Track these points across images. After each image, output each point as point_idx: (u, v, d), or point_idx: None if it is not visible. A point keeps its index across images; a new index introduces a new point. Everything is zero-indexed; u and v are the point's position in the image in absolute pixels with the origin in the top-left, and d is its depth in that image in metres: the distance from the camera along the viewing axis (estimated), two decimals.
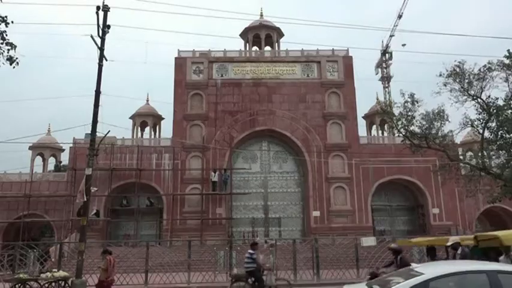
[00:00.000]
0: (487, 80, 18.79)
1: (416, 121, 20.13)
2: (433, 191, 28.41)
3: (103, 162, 26.89)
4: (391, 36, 50.84)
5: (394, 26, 50.10)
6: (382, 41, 53.79)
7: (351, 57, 31.24)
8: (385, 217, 29.96)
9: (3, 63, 9.69)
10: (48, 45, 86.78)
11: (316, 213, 27.83)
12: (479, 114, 19.35)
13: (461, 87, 19.20)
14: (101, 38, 14.87)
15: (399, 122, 20.53)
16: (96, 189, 20.62)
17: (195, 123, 29.13)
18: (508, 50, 17.95)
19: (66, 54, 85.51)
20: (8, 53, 9.69)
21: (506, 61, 18.19)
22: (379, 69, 55.13)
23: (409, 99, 19.92)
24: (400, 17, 49.84)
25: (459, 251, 10.10)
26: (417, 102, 19.85)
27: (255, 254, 12.36)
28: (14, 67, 9.75)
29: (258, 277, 12.29)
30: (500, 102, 18.62)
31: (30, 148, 30.65)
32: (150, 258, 17.73)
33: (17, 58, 9.73)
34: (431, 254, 12.66)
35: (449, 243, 10.65)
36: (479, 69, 18.85)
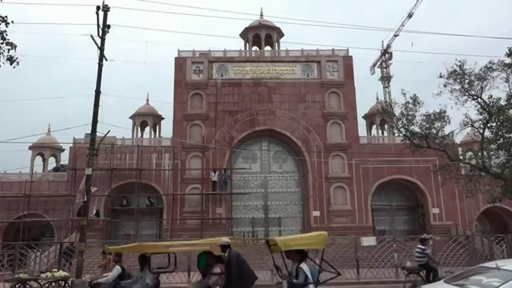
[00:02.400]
0: (488, 80, 18.81)
1: (416, 121, 20.15)
2: (433, 191, 28.40)
3: (103, 162, 26.89)
4: (395, 36, 50.90)
5: (401, 25, 50.16)
6: (383, 41, 53.85)
7: (351, 57, 31.25)
8: (385, 217, 29.97)
9: (3, 63, 9.69)
10: (50, 45, 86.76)
11: (316, 213, 27.83)
12: (479, 115, 19.37)
13: (462, 88, 19.21)
14: (101, 38, 14.87)
15: (399, 122, 20.54)
16: (96, 189, 20.61)
17: (195, 123, 29.14)
18: (509, 48, 17.88)
19: (68, 55, 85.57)
20: (8, 53, 9.69)
21: (507, 60, 18.18)
22: (375, 69, 55.36)
23: (410, 100, 19.94)
24: (410, 16, 49.91)
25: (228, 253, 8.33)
26: (419, 103, 19.87)
27: (427, 249, 13.07)
28: (14, 67, 9.75)
29: (432, 269, 12.92)
30: (502, 103, 18.63)
31: (30, 148, 30.63)
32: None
33: (17, 58, 9.73)
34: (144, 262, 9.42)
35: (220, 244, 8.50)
36: (480, 70, 18.87)
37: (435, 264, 13.38)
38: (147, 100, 32.98)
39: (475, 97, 19.23)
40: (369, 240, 18.53)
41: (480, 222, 33.14)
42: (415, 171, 28.60)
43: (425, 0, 49.59)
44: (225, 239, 8.68)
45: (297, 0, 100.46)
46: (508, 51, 17.80)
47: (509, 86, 18.67)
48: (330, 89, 30.15)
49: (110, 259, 10.55)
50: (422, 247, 13.09)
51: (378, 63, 55.59)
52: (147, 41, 59.78)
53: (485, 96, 19.13)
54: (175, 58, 30.66)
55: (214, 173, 27.83)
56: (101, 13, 14.65)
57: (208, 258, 8.39)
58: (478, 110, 19.43)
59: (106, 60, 15.22)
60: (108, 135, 16.65)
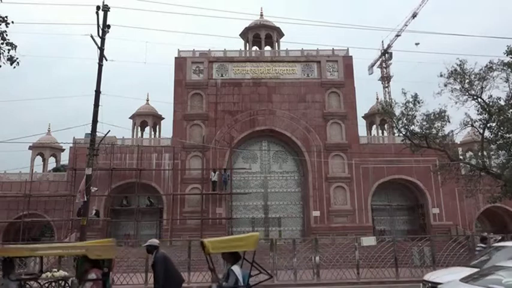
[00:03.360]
0: (488, 80, 18.80)
1: (417, 121, 20.14)
2: (433, 191, 28.40)
3: (103, 162, 26.89)
4: (397, 36, 50.93)
5: (404, 25, 50.21)
6: (383, 41, 53.93)
7: (351, 57, 31.23)
8: (385, 217, 29.96)
9: (3, 63, 9.70)
10: (51, 45, 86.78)
11: (316, 213, 27.83)
12: (479, 114, 19.37)
13: (462, 87, 19.21)
14: (101, 38, 14.89)
15: (400, 122, 20.53)
16: (96, 189, 20.66)
17: (195, 123, 29.14)
18: (508, 46, 17.86)
19: (69, 54, 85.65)
20: (8, 53, 9.70)
21: (507, 59, 18.16)
22: (373, 69, 55.49)
23: (411, 99, 19.93)
24: (414, 16, 49.96)
25: None
26: (419, 102, 19.86)
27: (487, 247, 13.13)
28: (14, 67, 9.76)
29: None
30: (502, 103, 18.63)
31: (30, 148, 30.63)
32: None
33: (17, 58, 9.74)
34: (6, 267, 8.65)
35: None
36: (480, 69, 18.86)
37: None
38: (147, 100, 32.99)
39: (475, 97, 19.23)
40: (369, 240, 18.52)
41: (480, 222, 33.14)
42: (415, 171, 28.60)
43: (429, 0, 49.50)
44: (155, 240, 8.43)
45: (297, 0, 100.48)
46: (508, 50, 17.76)
47: (509, 85, 18.67)
48: (330, 89, 30.14)
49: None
50: (483, 245, 13.25)
51: (377, 63, 55.73)
52: (147, 41, 59.88)
53: (485, 96, 19.14)
54: (175, 58, 30.64)
55: (214, 173, 27.83)
56: (101, 13, 14.66)
57: (84, 263, 7.76)
58: (478, 110, 19.43)
59: (106, 60, 15.25)
60: (108, 135, 16.69)
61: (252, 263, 7.08)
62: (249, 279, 7.10)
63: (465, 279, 7.54)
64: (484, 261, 9.35)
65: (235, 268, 6.78)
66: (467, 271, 8.87)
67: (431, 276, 9.99)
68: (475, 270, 8.65)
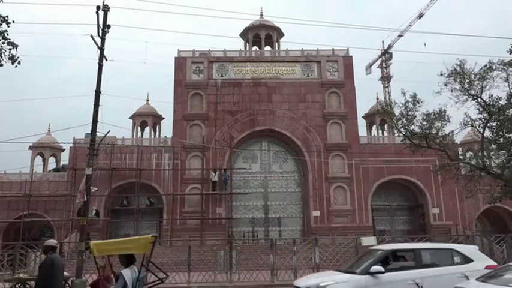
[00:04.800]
0: (488, 80, 18.80)
1: (417, 121, 20.14)
2: (433, 190, 28.40)
3: (103, 162, 26.88)
4: (399, 36, 50.93)
5: (408, 25, 50.18)
6: (383, 41, 53.93)
7: (351, 57, 31.23)
8: (385, 217, 29.96)
9: (5, 62, 9.70)
10: (51, 45, 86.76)
11: (316, 213, 27.82)
12: (480, 114, 19.37)
13: (462, 87, 19.21)
14: (101, 38, 14.88)
15: (399, 122, 20.53)
16: (96, 189, 20.61)
17: (195, 123, 29.13)
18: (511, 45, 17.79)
19: (70, 54, 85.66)
20: (9, 52, 9.70)
21: (507, 59, 18.16)
22: (371, 69, 55.55)
23: (410, 99, 19.93)
24: (420, 16, 49.96)
25: None
26: (419, 102, 19.86)
27: None
28: (16, 66, 9.77)
29: None
30: (502, 102, 18.63)
31: (30, 148, 30.62)
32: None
33: (18, 57, 9.74)
34: None
35: None
36: (480, 69, 18.86)
37: None
38: (147, 100, 32.99)
39: (475, 97, 19.24)
40: (368, 240, 18.50)
41: (480, 222, 33.13)
42: (415, 171, 28.60)
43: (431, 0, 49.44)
44: (52, 241, 8.11)
45: (297, 0, 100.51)
46: (511, 48, 17.67)
47: (509, 85, 18.69)
48: (330, 89, 30.14)
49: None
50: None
51: (376, 63, 55.82)
52: (147, 41, 59.78)
53: (485, 96, 19.15)
54: (175, 58, 30.64)
55: (215, 173, 27.82)
56: (101, 13, 14.65)
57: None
58: (478, 110, 19.44)
59: (106, 60, 15.24)
60: (108, 135, 16.66)
61: (143, 264, 6.89)
62: (144, 281, 6.97)
63: (484, 279, 7.59)
64: (356, 265, 9.31)
65: (125, 272, 6.55)
66: (336, 275, 9.02)
67: (297, 280, 10.13)
68: (347, 275, 8.76)
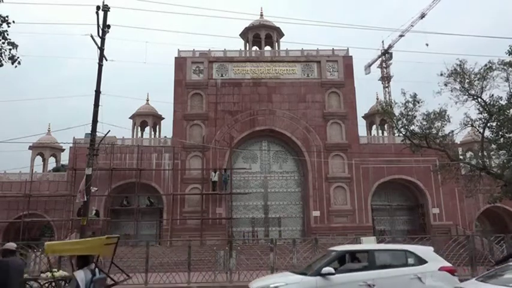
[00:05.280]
0: (488, 80, 18.79)
1: (417, 121, 20.13)
2: (433, 190, 28.40)
3: (103, 162, 26.87)
4: (400, 36, 50.91)
5: (410, 25, 50.17)
6: (383, 41, 53.91)
7: (351, 57, 31.24)
8: (385, 217, 29.97)
9: (5, 62, 9.71)
10: (51, 45, 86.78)
11: (316, 213, 27.83)
12: (480, 114, 19.36)
13: (462, 87, 19.20)
14: (101, 38, 14.89)
15: (399, 122, 20.52)
16: (96, 189, 20.62)
17: (195, 123, 29.13)
18: (510, 46, 17.79)
19: (71, 54, 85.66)
20: (9, 52, 9.70)
21: (507, 59, 18.14)
22: (370, 69, 55.53)
23: (410, 99, 19.92)
24: (422, 16, 49.96)
25: None
26: (419, 102, 19.85)
27: None
28: (16, 66, 9.77)
29: None
30: (502, 102, 18.61)
31: (30, 148, 30.62)
32: (150, 258, 17.69)
33: (18, 57, 9.75)
34: None
35: None
36: (480, 69, 18.85)
37: None
38: (147, 100, 32.99)
39: (475, 97, 19.22)
40: (368, 240, 18.49)
41: (480, 222, 33.14)
42: (415, 171, 28.60)
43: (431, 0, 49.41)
44: (11, 244, 7.67)
45: (297, 0, 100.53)
46: (510, 49, 17.70)
47: (509, 85, 18.67)
48: (330, 89, 30.13)
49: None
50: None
51: (375, 63, 55.79)
52: (147, 41, 59.83)
53: (485, 96, 19.13)
54: (175, 58, 30.64)
55: (215, 173, 27.82)
56: (101, 13, 14.66)
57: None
58: (478, 110, 19.43)
59: (106, 60, 15.25)
60: (108, 135, 16.68)
61: (96, 265, 6.75)
62: (103, 283, 6.89)
63: (484, 279, 7.59)
64: (312, 267, 9.21)
65: (78, 273, 6.37)
66: (289, 276, 9.03)
67: (252, 282, 9.98)
68: (299, 276, 8.72)
